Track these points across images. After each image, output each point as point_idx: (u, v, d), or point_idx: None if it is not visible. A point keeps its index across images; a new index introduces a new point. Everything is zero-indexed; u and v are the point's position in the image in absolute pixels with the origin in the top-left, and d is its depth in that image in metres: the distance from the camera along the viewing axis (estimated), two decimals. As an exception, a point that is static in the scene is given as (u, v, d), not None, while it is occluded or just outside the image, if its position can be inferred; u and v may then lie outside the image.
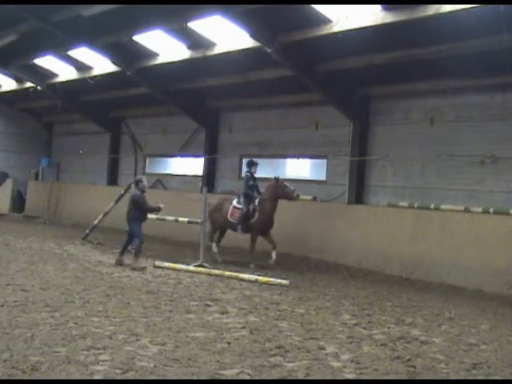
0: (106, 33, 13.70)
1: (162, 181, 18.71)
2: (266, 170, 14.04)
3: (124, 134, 20.50)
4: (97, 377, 4.53)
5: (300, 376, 4.91)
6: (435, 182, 12.21)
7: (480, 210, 11.15)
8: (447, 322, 7.54)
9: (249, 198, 11.91)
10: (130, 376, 4.62)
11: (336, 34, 10.70)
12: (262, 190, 12.09)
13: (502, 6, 8.63)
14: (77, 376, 4.52)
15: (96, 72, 16.53)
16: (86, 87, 17.62)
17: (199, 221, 11.34)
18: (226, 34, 12.51)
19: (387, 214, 12.37)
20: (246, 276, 10.07)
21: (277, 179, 11.88)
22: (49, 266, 10.06)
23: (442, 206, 11.78)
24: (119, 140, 20.69)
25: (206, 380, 4.67)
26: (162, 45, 13.96)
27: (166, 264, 10.92)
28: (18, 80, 19.66)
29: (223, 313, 7.24)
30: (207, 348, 5.56)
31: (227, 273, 10.30)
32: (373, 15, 10.09)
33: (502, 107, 11.30)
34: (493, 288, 10.15)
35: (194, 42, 13.26)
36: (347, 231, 12.74)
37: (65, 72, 17.58)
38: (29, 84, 18.99)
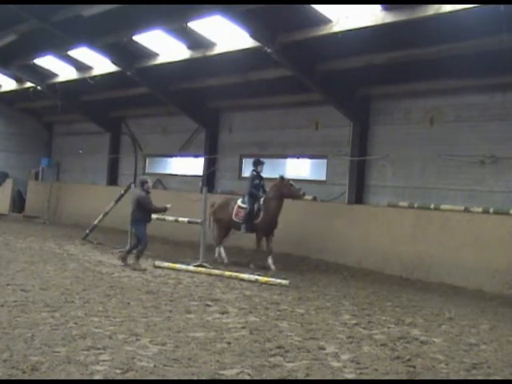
0: (106, 33, 13.70)
1: (162, 181, 18.71)
2: (266, 170, 13.87)
3: (124, 134, 20.50)
4: (97, 377, 4.53)
5: (300, 376, 4.91)
6: (435, 181, 12.21)
7: (480, 210, 11.15)
8: (447, 322, 7.54)
9: (254, 197, 11.75)
10: (130, 376, 4.62)
11: (336, 33, 10.71)
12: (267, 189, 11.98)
13: (502, 6, 8.63)
14: (77, 376, 4.52)
15: (96, 72, 16.54)
16: (86, 87, 17.63)
17: (199, 221, 11.34)
18: (226, 34, 12.51)
19: (387, 214, 12.36)
20: (246, 276, 10.06)
21: (282, 178, 11.75)
22: (49, 266, 10.06)
23: (442, 206, 11.78)
24: (119, 140, 20.70)
25: (206, 380, 4.67)
26: (162, 45, 13.96)
27: (166, 264, 10.91)
28: (18, 80, 19.67)
29: (223, 313, 7.24)
30: (207, 348, 5.56)
31: (227, 273, 10.29)
32: (373, 15, 10.09)
33: (502, 107, 11.30)
34: (493, 288, 10.14)
35: (194, 42, 13.26)
36: (347, 231, 12.74)
37: (65, 72, 17.59)
38: (29, 84, 19.00)
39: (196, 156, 17.62)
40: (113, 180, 20.62)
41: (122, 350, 5.26)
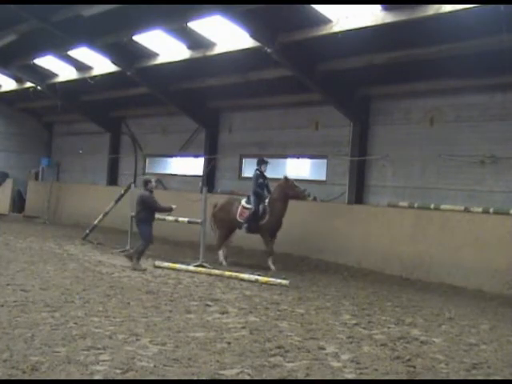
0: (106, 33, 13.70)
1: (162, 181, 18.71)
2: (266, 169, 14.01)
3: (124, 134, 20.51)
4: (97, 377, 4.53)
5: (300, 376, 4.91)
6: (435, 181, 12.21)
7: (480, 210, 11.15)
8: (447, 322, 7.54)
9: (259, 197, 11.55)
10: (130, 376, 4.62)
11: (336, 33, 10.71)
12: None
13: (502, 6, 8.64)
14: (77, 376, 4.52)
15: (96, 72, 16.54)
16: (86, 87, 17.64)
17: (199, 221, 11.34)
18: (226, 34, 12.51)
19: (387, 214, 12.36)
20: (245, 276, 10.06)
21: (286, 179, 11.66)
22: (49, 266, 10.06)
23: (442, 206, 11.78)
24: (119, 140, 20.70)
25: (206, 380, 4.67)
26: (162, 45, 13.96)
27: (166, 264, 10.91)
28: (18, 80, 19.67)
29: (223, 313, 7.23)
30: (207, 348, 5.56)
31: (227, 273, 10.29)
32: (373, 15, 10.09)
33: (502, 107, 11.30)
34: (493, 288, 10.14)
35: (194, 42, 13.27)
36: (347, 231, 12.73)
37: (65, 72, 17.60)
38: (29, 84, 19.01)
39: (196, 156, 17.63)
40: (113, 180, 20.62)
41: (121, 350, 5.26)
